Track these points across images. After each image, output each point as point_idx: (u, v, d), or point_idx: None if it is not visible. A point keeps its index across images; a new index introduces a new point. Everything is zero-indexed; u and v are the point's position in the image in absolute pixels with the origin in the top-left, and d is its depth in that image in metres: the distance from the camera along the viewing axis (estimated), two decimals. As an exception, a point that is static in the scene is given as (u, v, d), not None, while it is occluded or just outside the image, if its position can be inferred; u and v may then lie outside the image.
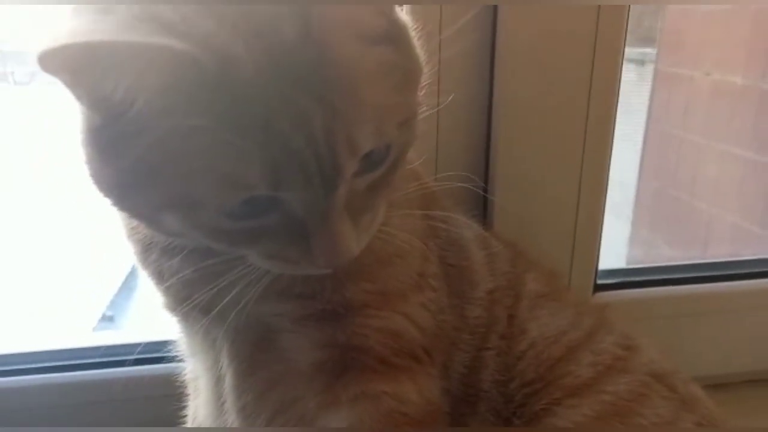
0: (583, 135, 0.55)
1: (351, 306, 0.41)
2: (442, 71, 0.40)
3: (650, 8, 1.77)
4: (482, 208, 0.58)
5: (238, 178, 0.30)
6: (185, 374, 0.55)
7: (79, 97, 0.31)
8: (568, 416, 0.41)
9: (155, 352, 0.58)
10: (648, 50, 1.78)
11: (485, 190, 0.56)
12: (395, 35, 0.34)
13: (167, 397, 0.55)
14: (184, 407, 0.55)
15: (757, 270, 0.71)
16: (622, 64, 0.58)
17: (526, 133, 0.56)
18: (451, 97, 0.42)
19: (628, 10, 0.58)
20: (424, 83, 0.38)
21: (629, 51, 2.01)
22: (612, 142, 0.59)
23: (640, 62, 1.81)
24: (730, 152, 1.48)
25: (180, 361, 0.55)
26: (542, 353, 0.45)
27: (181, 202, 0.32)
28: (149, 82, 0.28)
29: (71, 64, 0.28)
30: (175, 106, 0.29)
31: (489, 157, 0.57)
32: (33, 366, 0.65)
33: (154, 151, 0.30)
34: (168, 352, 0.54)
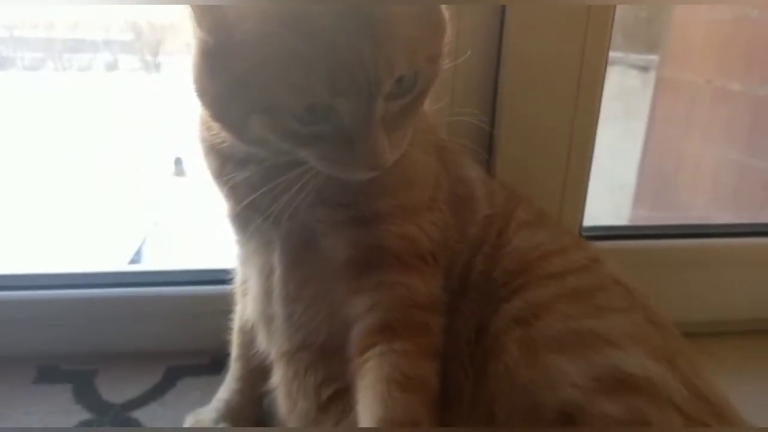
0: (575, 93, 0.70)
1: (378, 215, 0.54)
2: (460, 33, 0.53)
3: (656, 17, 1.88)
4: (487, 156, 0.72)
5: (307, 86, 0.42)
6: (234, 284, 0.68)
7: (202, 24, 0.44)
8: (538, 292, 0.53)
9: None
10: (652, 57, 1.89)
11: (491, 132, 0.70)
12: None
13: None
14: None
15: (721, 231, 0.85)
16: (609, 39, 0.71)
17: (527, 88, 0.70)
18: (468, 53, 0.55)
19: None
20: (447, 41, 0.50)
21: (634, 57, 2.13)
22: (600, 101, 0.73)
23: (644, 68, 1.91)
24: (727, 156, 1.57)
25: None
26: (522, 254, 0.57)
27: (264, 106, 0.45)
28: (251, 16, 0.42)
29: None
30: (268, 31, 0.42)
31: (496, 105, 0.71)
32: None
33: (249, 65, 0.43)
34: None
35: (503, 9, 0.68)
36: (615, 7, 0.69)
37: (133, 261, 2.05)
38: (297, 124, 0.45)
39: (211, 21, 0.43)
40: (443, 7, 0.49)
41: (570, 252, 0.59)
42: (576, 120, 0.71)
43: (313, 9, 0.41)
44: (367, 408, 0.50)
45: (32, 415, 0.68)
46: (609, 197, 1.93)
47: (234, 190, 0.55)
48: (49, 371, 0.75)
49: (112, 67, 2.48)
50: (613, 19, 0.69)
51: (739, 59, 1.54)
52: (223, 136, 0.51)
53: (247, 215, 0.56)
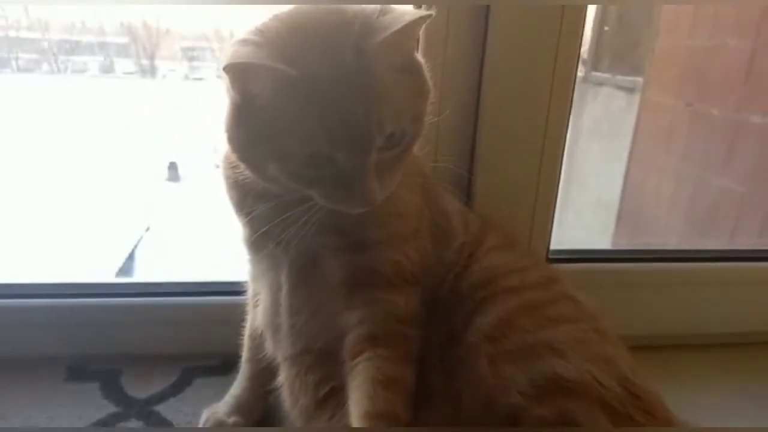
0: (542, 140, 0.85)
1: (370, 242, 0.67)
2: (443, 93, 0.67)
3: (642, 40, 2.02)
4: (466, 193, 0.87)
5: (312, 139, 0.55)
6: (246, 297, 0.82)
7: (233, 87, 0.57)
8: (499, 304, 0.66)
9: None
10: (638, 79, 2.03)
11: (469, 177, 0.86)
12: (412, 68, 0.61)
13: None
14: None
15: (675, 256, 1.01)
16: (572, 98, 0.86)
17: (500, 140, 0.85)
18: (447, 111, 0.70)
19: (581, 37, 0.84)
20: (432, 101, 0.63)
21: (620, 79, 2.29)
22: (563, 150, 0.88)
23: (630, 90, 2.04)
24: (703, 179, 1.70)
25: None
26: (487, 271, 0.70)
27: (279, 153, 0.57)
28: (270, 84, 0.55)
29: (236, 71, 0.55)
30: (282, 97, 0.55)
31: (474, 154, 0.87)
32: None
33: (268, 120, 0.57)
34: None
35: (480, 72, 0.84)
36: (576, 69, 0.84)
37: (126, 266, 2.18)
38: (304, 169, 0.58)
39: (240, 85, 0.57)
40: (427, 75, 0.63)
41: (528, 271, 0.72)
42: (542, 165, 0.87)
43: (318, 81, 0.54)
44: (356, 403, 0.63)
45: (67, 408, 0.81)
46: (594, 215, 2.07)
47: (252, 221, 0.68)
48: (78, 371, 0.89)
49: (107, 70, 2.59)
50: (575, 80, 0.84)
51: (717, 85, 1.66)
52: (246, 173, 0.64)
53: (262, 241, 0.70)
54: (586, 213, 2.04)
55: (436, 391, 0.66)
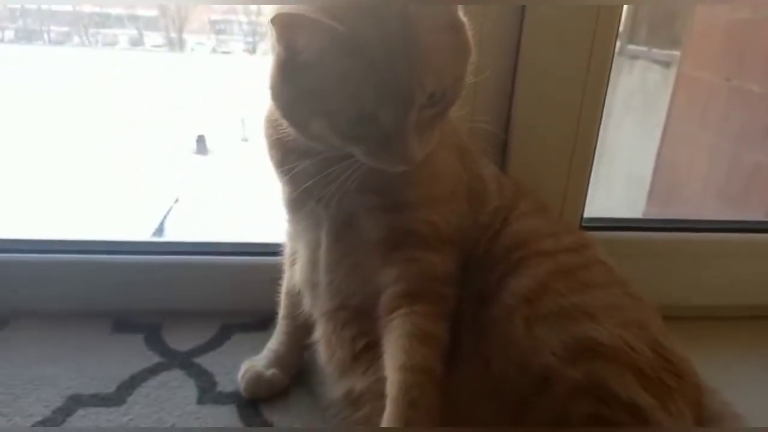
0: (579, 107, 0.86)
1: (408, 203, 0.70)
2: (481, 56, 0.67)
3: (680, 13, 1.98)
4: (501, 157, 0.89)
5: (358, 97, 0.57)
6: (284, 256, 0.85)
7: (279, 41, 0.58)
8: (535, 267, 0.68)
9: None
10: (674, 53, 1.99)
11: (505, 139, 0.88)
12: (456, 27, 0.62)
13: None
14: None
15: (707, 227, 1.02)
16: (612, 60, 0.86)
17: (537, 102, 0.86)
18: (487, 73, 0.71)
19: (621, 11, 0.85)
20: (471, 61, 0.65)
21: (656, 52, 2.25)
22: (600, 117, 0.89)
23: (666, 64, 2.01)
24: (739, 154, 1.67)
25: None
26: (519, 234, 0.72)
27: (324, 111, 0.60)
28: (317, 40, 0.57)
29: (283, 22, 0.56)
30: (327, 53, 0.57)
31: (510, 117, 0.88)
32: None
33: (313, 77, 0.59)
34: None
35: (519, 35, 0.85)
36: (617, 34, 0.84)
37: (155, 235, 2.25)
38: (348, 126, 0.60)
39: (286, 39, 0.58)
40: (470, 35, 0.64)
41: (561, 235, 0.74)
42: (579, 131, 0.88)
43: (363, 38, 0.56)
44: (392, 357, 0.66)
45: (114, 357, 0.86)
46: (625, 190, 2.06)
47: (293, 178, 0.71)
48: (123, 323, 0.94)
49: (136, 43, 2.63)
50: (615, 44, 0.84)
51: (759, 60, 1.62)
52: (289, 132, 0.66)
53: (302, 199, 0.73)
54: (617, 187, 2.02)
55: (467, 350, 0.68)
